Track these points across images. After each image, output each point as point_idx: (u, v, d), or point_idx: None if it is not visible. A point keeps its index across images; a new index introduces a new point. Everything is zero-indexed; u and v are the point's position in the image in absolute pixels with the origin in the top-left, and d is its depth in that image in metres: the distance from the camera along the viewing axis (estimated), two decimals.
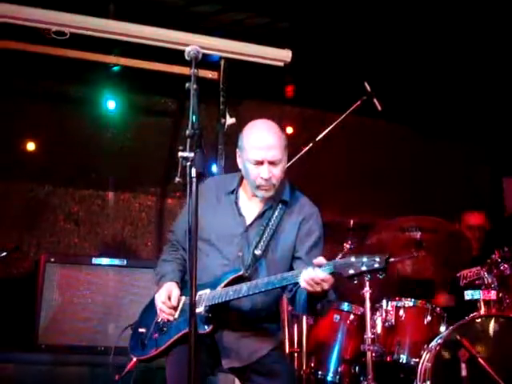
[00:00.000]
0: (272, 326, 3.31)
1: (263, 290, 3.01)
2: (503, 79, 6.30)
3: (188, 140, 2.61)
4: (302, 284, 2.87)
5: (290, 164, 4.92)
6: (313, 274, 2.82)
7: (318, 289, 2.84)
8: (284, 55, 5.66)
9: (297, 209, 3.27)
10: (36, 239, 5.78)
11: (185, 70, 4.75)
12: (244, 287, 3.05)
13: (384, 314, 5.06)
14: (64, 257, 4.98)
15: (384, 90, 5.38)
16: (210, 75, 5.66)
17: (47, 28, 5.11)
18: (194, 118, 2.64)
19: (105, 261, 4.93)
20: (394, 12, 5.57)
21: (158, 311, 3.22)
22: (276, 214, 3.22)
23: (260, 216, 3.24)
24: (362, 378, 4.87)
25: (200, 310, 3.07)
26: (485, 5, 5.42)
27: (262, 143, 3.12)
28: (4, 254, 5.10)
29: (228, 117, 5.59)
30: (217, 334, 3.15)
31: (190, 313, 2.52)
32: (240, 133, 3.27)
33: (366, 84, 5.30)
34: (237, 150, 3.26)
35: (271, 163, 3.12)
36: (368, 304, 4.90)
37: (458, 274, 5.48)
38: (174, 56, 5.27)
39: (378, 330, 5.04)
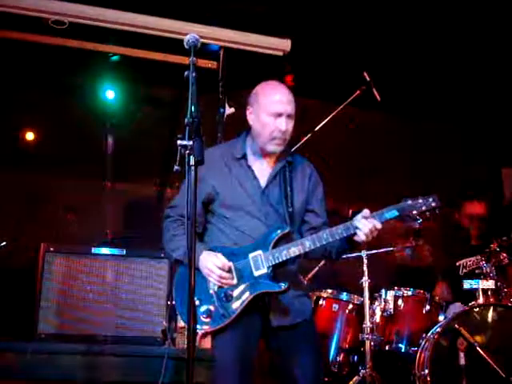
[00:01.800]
0: (306, 293, 3.51)
1: (325, 242, 3.21)
2: (502, 70, 6.29)
3: (187, 128, 2.61)
4: (360, 234, 3.18)
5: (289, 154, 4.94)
6: (372, 225, 3.17)
7: (371, 237, 3.19)
8: (283, 45, 5.66)
9: (300, 167, 3.48)
10: (35, 229, 5.78)
11: (184, 60, 4.73)
12: (306, 242, 3.21)
13: (383, 304, 5.09)
14: (63, 246, 4.96)
15: (383, 80, 5.38)
16: (210, 65, 5.65)
17: (46, 17, 5.10)
18: (192, 106, 2.64)
19: (104, 250, 4.92)
20: (393, 1, 5.55)
21: (217, 279, 3.20)
22: (286, 173, 3.40)
23: (273, 177, 3.39)
24: (360, 367, 4.89)
25: (263, 271, 3.21)
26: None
27: (283, 97, 3.34)
28: (3, 243, 5.12)
29: (227, 106, 5.60)
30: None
31: (188, 306, 2.57)
32: (253, 91, 3.42)
33: (366, 74, 5.29)
34: (248, 107, 3.39)
35: (288, 116, 3.33)
36: (367, 293, 4.93)
37: (458, 263, 5.49)
38: (173, 45, 5.26)
39: (377, 319, 5.07)
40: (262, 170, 3.40)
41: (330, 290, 5.25)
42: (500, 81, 6.45)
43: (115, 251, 4.93)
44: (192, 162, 2.56)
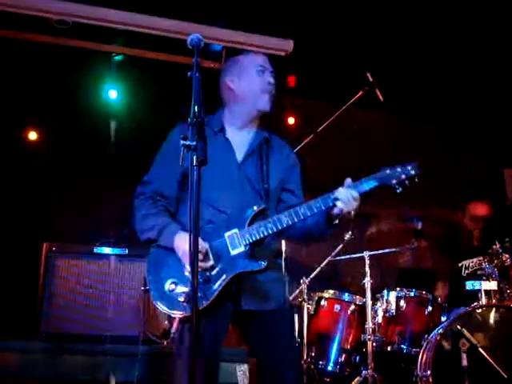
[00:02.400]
0: (283, 278, 3.36)
1: (302, 217, 3.12)
2: (502, 71, 6.28)
3: (190, 128, 2.61)
4: (338, 204, 3.09)
5: None
6: (348, 192, 3.09)
7: (351, 208, 3.10)
8: (286, 45, 5.66)
9: (278, 146, 3.42)
10: (39, 228, 5.79)
11: (187, 60, 4.74)
12: (283, 219, 3.11)
13: (385, 304, 5.08)
14: (66, 245, 4.97)
15: (385, 81, 5.37)
16: (213, 65, 5.66)
17: (49, 17, 5.11)
18: (196, 106, 2.64)
19: (106, 250, 4.93)
20: (396, 1, 5.55)
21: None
22: (263, 149, 3.33)
23: (251, 151, 3.31)
24: (362, 368, 4.89)
25: (240, 249, 3.10)
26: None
27: (262, 55, 3.43)
28: None
29: None
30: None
31: (193, 300, 2.51)
32: (230, 63, 3.42)
33: (368, 74, 5.29)
34: (228, 78, 3.35)
35: (271, 73, 3.36)
36: (369, 294, 4.93)
37: (460, 264, 5.49)
38: (177, 46, 5.27)
39: (379, 320, 5.07)
40: (240, 143, 3.31)
41: (331, 291, 5.25)
42: (502, 81, 6.45)
43: (117, 251, 4.94)
44: (195, 162, 2.55)
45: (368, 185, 3.15)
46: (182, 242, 3.08)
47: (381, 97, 5.27)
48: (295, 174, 3.43)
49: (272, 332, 3.19)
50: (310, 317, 5.18)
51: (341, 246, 5.32)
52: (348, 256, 5.32)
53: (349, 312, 5.14)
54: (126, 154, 6.14)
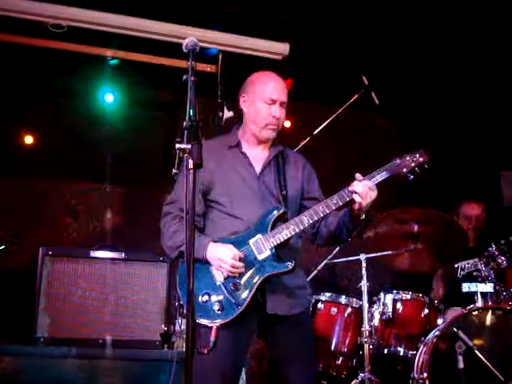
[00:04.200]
0: (306, 285, 3.52)
1: (322, 215, 3.25)
2: (500, 73, 6.30)
3: (185, 132, 2.62)
4: (356, 197, 3.18)
5: None
6: (363, 184, 3.18)
7: (369, 199, 3.18)
8: (282, 49, 5.67)
9: (292, 157, 3.58)
10: (34, 232, 5.78)
11: (183, 64, 4.75)
12: (304, 218, 3.24)
13: (381, 307, 5.09)
14: (62, 250, 4.97)
15: (381, 84, 5.38)
16: (209, 69, 5.66)
17: (45, 21, 5.11)
18: (191, 110, 2.65)
19: (103, 254, 4.93)
20: (392, 5, 5.56)
21: (229, 269, 3.20)
22: (280, 160, 3.49)
23: (268, 163, 3.45)
24: (359, 371, 4.89)
25: (267, 253, 3.23)
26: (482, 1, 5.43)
27: (277, 85, 3.45)
28: (2, 247, 5.11)
29: (226, 110, 5.60)
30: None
31: (187, 301, 2.52)
32: (248, 80, 3.55)
33: (364, 78, 5.30)
34: (242, 95, 3.49)
35: (281, 104, 3.42)
36: (365, 297, 4.92)
37: (456, 266, 5.50)
38: (172, 49, 5.27)
39: (376, 322, 5.06)
40: (256, 157, 3.45)
41: (328, 294, 5.24)
42: (498, 84, 6.46)
43: (114, 254, 4.93)
44: (190, 165, 2.55)
45: (381, 176, 3.26)
46: (214, 251, 3.23)
47: (376, 100, 5.28)
48: (313, 181, 3.59)
49: (295, 335, 3.32)
50: None
51: (337, 248, 5.32)
52: (345, 259, 5.33)
53: (345, 315, 5.14)
54: (122, 157, 6.14)
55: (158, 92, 6.38)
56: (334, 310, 5.14)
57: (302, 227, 3.25)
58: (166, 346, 4.75)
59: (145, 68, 5.70)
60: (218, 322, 3.17)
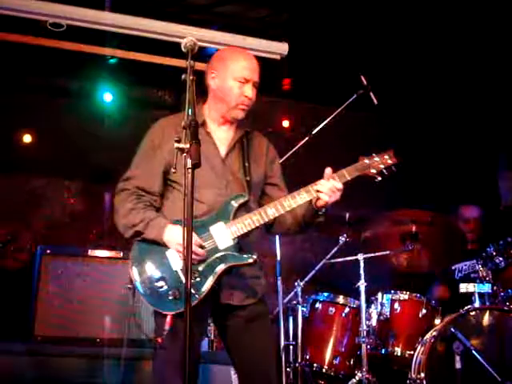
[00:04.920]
0: (261, 274, 3.33)
1: (288, 208, 3.13)
2: (497, 74, 6.30)
3: (184, 131, 2.61)
4: (322, 196, 3.10)
5: (286, 157, 4.95)
6: (331, 184, 3.10)
7: (334, 199, 3.11)
8: (281, 48, 5.67)
9: (257, 139, 3.41)
10: (32, 231, 5.78)
11: (182, 63, 4.74)
12: (269, 211, 3.12)
13: (379, 307, 5.09)
14: (60, 248, 4.98)
15: (380, 84, 5.38)
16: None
17: (44, 20, 5.11)
18: (190, 109, 2.64)
19: (101, 253, 4.93)
20: (390, 4, 5.56)
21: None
22: (244, 143, 3.32)
23: (233, 145, 3.29)
24: (356, 371, 4.89)
25: (229, 243, 3.09)
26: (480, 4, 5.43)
27: (250, 64, 3.25)
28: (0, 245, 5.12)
29: None
30: None
31: (185, 299, 2.49)
32: (218, 55, 3.33)
33: (363, 78, 5.30)
34: (211, 71, 3.27)
35: (254, 84, 3.24)
36: (363, 297, 4.93)
37: (454, 267, 5.51)
38: (171, 49, 5.28)
39: (373, 322, 5.07)
40: (222, 137, 3.28)
41: (326, 294, 5.25)
42: (497, 84, 6.46)
43: (112, 254, 4.94)
44: (189, 164, 2.55)
45: (350, 175, 3.18)
46: (173, 234, 3.05)
47: (375, 100, 5.27)
48: (276, 167, 3.43)
49: (250, 329, 3.17)
50: (304, 319, 5.18)
51: (335, 248, 5.33)
52: (343, 259, 5.33)
53: (343, 315, 5.14)
54: (120, 157, 6.12)
55: (156, 91, 6.38)
56: (331, 309, 5.15)
57: (266, 219, 3.11)
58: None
59: (144, 67, 5.70)
60: (175, 310, 3.01)
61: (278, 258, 5.04)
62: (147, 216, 3.14)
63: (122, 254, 4.93)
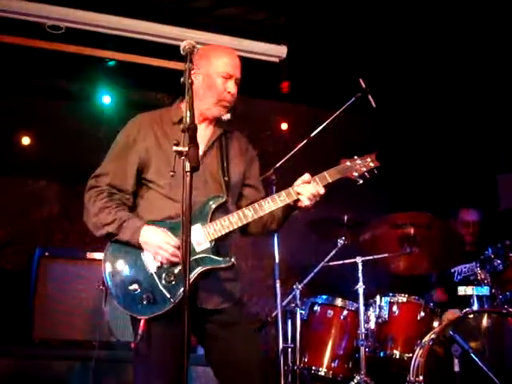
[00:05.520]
0: (237, 277, 3.26)
1: (267, 211, 3.10)
2: (494, 76, 6.31)
3: (182, 134, 2.61)
4: (303, 199, 3.08)
5: (284, 160, 4.94)
6: (314, 190, 3.09)
7: (314, 202, 3.11)
8: (279, 51, 5.68)
9: (236, 139, 3.37)
10: (31, 233, 5.78)
11: (180, 66, 4.75)
12: (248, 213, 3.07)
13: (377, 310, 5.09)
14: (58, 251, 4.98)
15: (378, 87, 5.39)
16: None
17: (42, 22, 5.11)
18: (188, 112, 2.64)
19: (99, 255, 4.92)
20: (389, 8, 5.57)
21: (166, 257, 2.96)
22: (223, 142, 3.28)
23: (211, 144, 3.24)
24: (355, 373, 4.89)
25: (205, 245, 3.02)
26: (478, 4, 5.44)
27: (233, 60, 3.24)
28: None
29: None
30: None
31: (184, 302, 2.48)
32: (201, 52, 3.24)
33: (361, 81, 5.30)
34: (193, 67, 3.05)
35: (236, 81, 3.22)
36: (362, 299, 4.93)
37: (453, 270, 5.51)
38: (170, 51, 5.28)
39: (372, 325, 5.06)
40: (200, 136, 3.07)
41: (324, 296, 5.25)
42: (495, 86, 6.47)
43: None
44: (187, 167, 2.55)
45: (331, 178, 3.18)
46: (151, 236, 2.99)
47: (373, 103, 5.28)
48: (254, 168, 3.39)
49: (228, 334, 3.10)
50: (302, 322, 5.18)
51: (334, 251, 5.32)
52: (341, 261, 5.32)
53: (341, 317, 5.14)
54: None
55: (155, 94, 6.38)
56: (330, 312, 5.15)
57: (245, 222, 3.06)
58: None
59: (142, 70, 5.70)
60: (148, 315, 2.94)
61: (277, 260, 5.02)
62: (120, 216, 3.06)
63: None
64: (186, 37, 3.34)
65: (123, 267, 3.06)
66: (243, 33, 5.69)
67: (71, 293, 4.82)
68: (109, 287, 3.06)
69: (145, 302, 2.96)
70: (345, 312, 5.15)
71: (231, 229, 3.06)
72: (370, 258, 5.09)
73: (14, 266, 5.56)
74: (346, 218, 5.32)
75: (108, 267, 3.09)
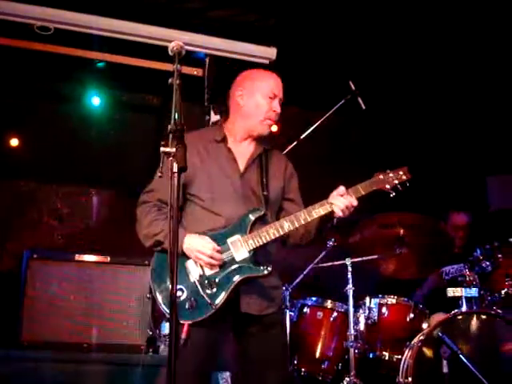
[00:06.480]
0: (279, 284, 3.50)
1: (303, 222, 3.26)
2: (486, 78, 6.34)
3: (170, 135, 2.61)
4: (337, 211, 3.24)
5: None
6: (348, 201, 3.24)
7: (348, 213, 3.26)
8: (269, 53, 5.68)
9: (276, 156, 3.58)
10: (19, 235, 5.75)
11: (170, 67, 4.74)
12: (285, 224, 3.25)
13: (367, 311, 5.10)
14: (47, 253, 4.94)
15: (368, 89, 5.40)
16: (195, 72, 5.66)
17: (31, 23, 5.09)
18: (176, 113, 2.64)
19: (88, 257, 4.91)
20: (379, 10, 5.58)
21: (207, 261, 3.18)
22: (263, 159, 3.47)
23: (252, 161, 3.44)
24: (344, 375, 4.89)
25: (245, 255, 3.22)
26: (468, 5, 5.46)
27: (278, 82, 3.53)
28: None
29: (212, 114, 5.60)
30: None
31: (170, 302, 2.51)
32: (245, 75, 3.56)
33: (351, 83, 5.32)
34: (238, 89, 3.47)
35: (279, 101, 3.48)
36: (351, 301, 4.93)
37: (441, 271, 5.52)
38: (159, 53, 5.27)
39: (361, 327, 5.07)
40: (241, 153, 3.43)
41: (314, 298, 5.25)
42: (484, 90, 6.50)
43: (99, 258, 4.92)
44: (175, 168, 2.55)
45: (365, 191, 3.33)
46: (192, 242, 3.20)
47: (363, 105, 5.29)
48: (293, 183, 3.60)
49: (267, 335, 3.31)
50: (292, 324, 5.18)
51: (323, 253, 5.33)
52: (331, 263, 5.33)
53: (331, 319, 5.14)
54: (108, 160, 6.12)
55: (144, 95, 6.37)
56: (319, 314, 5.15)
57: (282, 233, 3.25)
58: (151, 350, 4.73)
59: (131, 71, 5.68)
60: (191, 320, 3.14)
61: None
62: (168, 227, 3.18)
63: (109, 258, 4.91)
64: (175, 38, 3.32)
65: (168, 276, 3.15)
66: (233, 34, 5.68)
67: (60, 295, 4.79)
68: (155, 294, 3.25)
69: (188, 308, 3.15)
70: (334, 314, 5.15)
71: (269, 239, 3.25)
72: (360, 259, 5.10)
73: (2, 268, 5.54)
74: (335, 219, 5.32)
75: (154, 276, 3.29)
